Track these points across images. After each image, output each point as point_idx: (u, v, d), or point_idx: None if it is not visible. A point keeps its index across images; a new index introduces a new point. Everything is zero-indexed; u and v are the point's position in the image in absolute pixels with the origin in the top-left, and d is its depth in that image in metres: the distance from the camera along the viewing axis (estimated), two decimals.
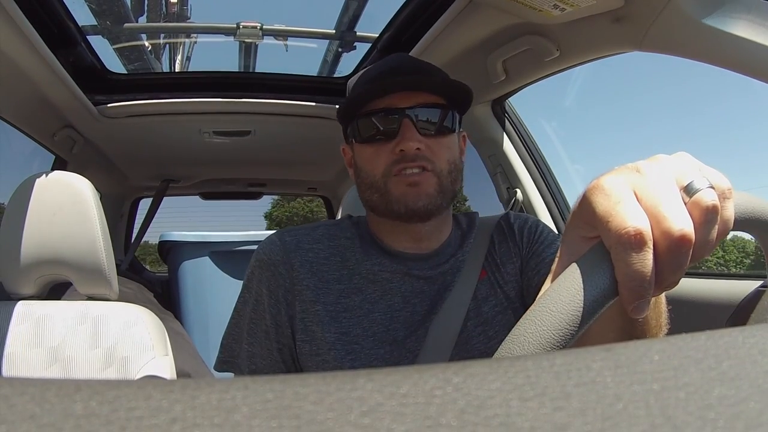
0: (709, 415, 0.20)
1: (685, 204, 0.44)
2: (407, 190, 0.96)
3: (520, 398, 0.20)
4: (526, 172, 2.19)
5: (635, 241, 0.42)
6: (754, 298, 1.33)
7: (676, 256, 0.43)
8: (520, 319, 0.43)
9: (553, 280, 0.47)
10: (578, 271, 0.44)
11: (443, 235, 1.08)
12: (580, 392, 0.21)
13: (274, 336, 0.99)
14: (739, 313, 1.37)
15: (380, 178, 0.98)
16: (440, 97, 1.01)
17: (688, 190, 0.45)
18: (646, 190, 0.45)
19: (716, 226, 0.45)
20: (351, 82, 1.09)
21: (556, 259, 0.53)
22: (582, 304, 0.42)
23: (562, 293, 0.43)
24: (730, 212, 0.46)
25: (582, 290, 0.42)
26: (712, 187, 0.45)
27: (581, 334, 0.42)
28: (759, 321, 0.49)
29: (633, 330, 0.59)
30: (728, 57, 1.19)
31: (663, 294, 0.61)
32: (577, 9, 1.35)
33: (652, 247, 0.43)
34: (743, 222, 0.49)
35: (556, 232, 1.12)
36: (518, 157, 2.20)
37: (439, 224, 1.06)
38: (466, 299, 1.00)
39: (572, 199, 2.17)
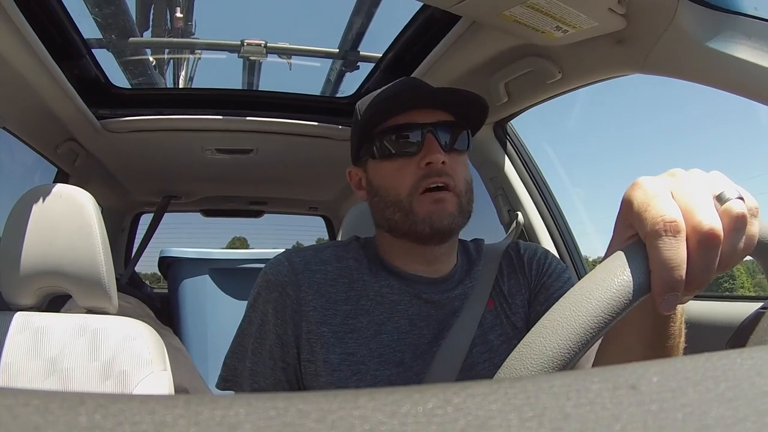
0: None
1: (716, 211, 0.47)
2: (433, 209, 0.96)
3: (520, 418, 0.20)
4: (528, 195, 2.18)
5: (670, 228, 0.45)
6: (754, 319, 1.33)
7: (706, 251, 0.45)
8: (556, 303, 0.44)
9: None
10: (614, 261, 0.46)
11: (453, 259, 1.08)
12: (579, 413, 0.21)
13: (279, 355, 0.98)
14: (739, 335, 1.37)
15: (405, 197, 0.98)
16: (455, 116, 1.03)
17: (720, 198, 0.48)
18: (681, 190, 0.48)
19: (743, 238, 0.47)
20: (361, 103, 1.08)
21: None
22: (617, 294, 0.43)
23: (598, 281, 0.44)
24: (755, 229, 0.48)
25: (617, 279, 0.44)
26: (741, 199, 0.47)
27: (608, 331, 0.43)
28: (758, 343, 0.49)
29: (661, 343, 0.61)
30: (729, 79, 1.19)
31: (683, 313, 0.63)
32: (579, 31, 1.35)
33: (685, 239, 0.45)
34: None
35: (564, 264, 1.12)
36: (519, 179, 2.19)
37: (451, 248, 1.07)
38: (472, 327, 1.00)
39: (574, 223, 2.17)
